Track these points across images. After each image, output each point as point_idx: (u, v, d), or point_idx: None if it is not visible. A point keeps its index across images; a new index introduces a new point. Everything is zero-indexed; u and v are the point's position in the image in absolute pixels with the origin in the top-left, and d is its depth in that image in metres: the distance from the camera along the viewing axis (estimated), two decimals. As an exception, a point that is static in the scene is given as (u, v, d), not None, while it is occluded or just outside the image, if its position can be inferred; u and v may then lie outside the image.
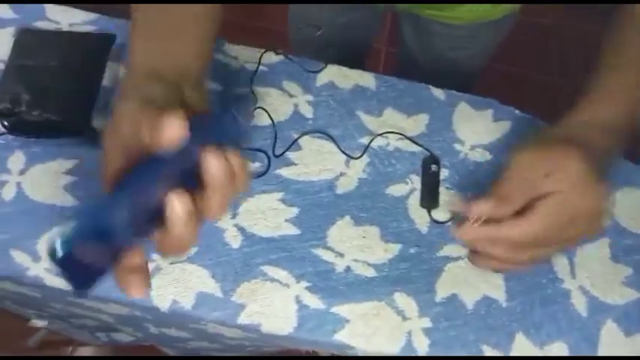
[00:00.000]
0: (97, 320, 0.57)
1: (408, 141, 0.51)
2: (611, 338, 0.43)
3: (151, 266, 0.42)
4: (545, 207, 0.34)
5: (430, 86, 0.54)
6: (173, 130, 0.28)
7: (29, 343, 0.96)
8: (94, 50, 0.50)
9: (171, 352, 0.69)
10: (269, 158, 0.48)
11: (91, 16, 0.54)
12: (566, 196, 0.34)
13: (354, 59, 0.64)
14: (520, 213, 0.35)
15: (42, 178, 0.45)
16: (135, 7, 0.37)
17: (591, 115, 0.39)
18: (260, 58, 0.53)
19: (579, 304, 0.44)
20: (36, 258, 0.42)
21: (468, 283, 0.44)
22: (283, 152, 0.48)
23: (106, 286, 0.41)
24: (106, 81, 0.49)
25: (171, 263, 0.43)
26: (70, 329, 0.70)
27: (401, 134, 0.50)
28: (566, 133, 0.38)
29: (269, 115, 0.50)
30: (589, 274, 0.45)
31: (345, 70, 0.54)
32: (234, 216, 0.45)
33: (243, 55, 0.54)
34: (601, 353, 0.42)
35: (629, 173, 0.51)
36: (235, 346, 0.57)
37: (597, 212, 0.35)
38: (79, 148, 0.46)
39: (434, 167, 0.49)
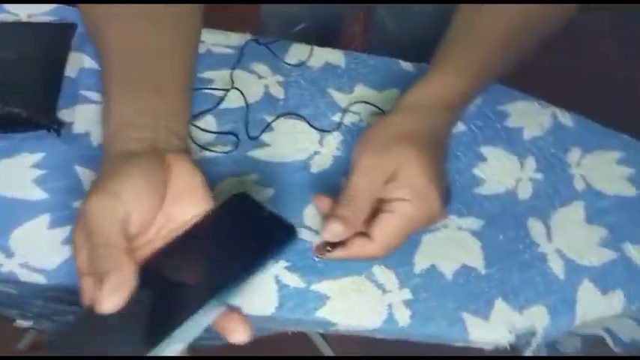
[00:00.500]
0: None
1: (380, 116, 0.50)
2: (587, 298, 0.43)
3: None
4: (390, 225, 0.37)
5: (400, 61, 0.54)
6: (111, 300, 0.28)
7: (19, 346, 0.95)
8: (55, 40, 0.49)
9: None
10: (237, 137, 0.47)
11: (51, 6, 0.52)
12: (410, 206, 0.37)
13: (326, 36, 0.63)
14: (368, 220, 0.37)
15: (8, 173, 0.44)
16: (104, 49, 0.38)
17: (432, 94, 0.41)
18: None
19: (556, 267, 0.45)
20: (9, 254, 0.41)
21: (446, 254, 0.44)
22: (258, 135, 0.48)
23: (73, 273, 0.41)
24: (69, 71, 0.48)
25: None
26: (56, 327, 0.69)
27: (373, 104, 0.50)
28: (403, 121, 0.40)
29: (244, 97, 0.49)
30: (565, 238, 0.46)
31: (314, 48, 0.53)
32: (208, 200, 0.45)
33: (211, 38, 0.53)
34: (579, 313, 0.43)
35: (600, 137, 0.52)
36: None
37: (437, 213, 0.38)
38: (44, 141, 0.45)
39: None
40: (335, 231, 0.36)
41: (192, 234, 0.34)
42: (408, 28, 0.68)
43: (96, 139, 0.46)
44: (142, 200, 0.32)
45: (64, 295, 0.46)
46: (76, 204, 0.43)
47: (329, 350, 0.90)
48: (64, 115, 0.46)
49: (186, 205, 0.34)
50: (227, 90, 0.50)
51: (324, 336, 0.91)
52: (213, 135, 0.48)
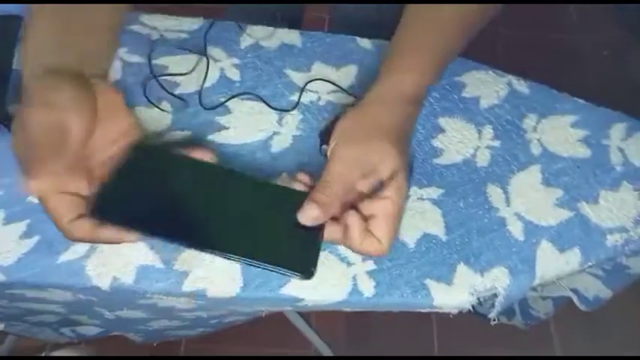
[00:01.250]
0: (51, 313, 0.56)
1: (339, 93, 0.51)
2: (546, 257, 0.45)
3: (84, 247, 0.42)
4: (391, 226, 0.38)
5: (357, 37, 0.54)
6: None
7: (-1, 352, 0.94)
8: (1, 34, 0.47)
9: (137, 339, 0.69)
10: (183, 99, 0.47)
11: (-6, -1, 0.51)
12: (398, 203, 0.39)
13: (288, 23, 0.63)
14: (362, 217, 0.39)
15: (-41, 171, 0.43)
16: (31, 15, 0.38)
17: (400, 84, 0.43)
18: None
19: (515, 229, 0.46)
20: (-36, 253, 0.41)
21: (408, 224, 0.45)
22: (214, 107, 0.47)
23: (37, 272, 0.40)
24: (17, 64, 0.47)
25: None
26: (32, 329, 0.68)
27: (330, 82, 0.50)
28: (379, 113, 0.42)
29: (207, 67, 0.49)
30: (523, 201, 0.47)
31: (269, 29, 0.53)
32: (167, 186, 0.44)
33: (163, 24, 0.52)
34: (538, 272, 0.44)
35: (555, 101, 0.53)
36: (196, 320, 0.57)
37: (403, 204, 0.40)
38: (-5, 136, 0.44)
39: None
40: (311, 215, 0.37)
41: (244, 188, 0.39)
42: (366, 8, 0.68)
43: (49, 131, 0.46)
44: (80, 113, 0.34)
45: (29, 293, 0.45)
46: (32, 198, 0.43)
47: (308, 329, 0.91)
48: (14, 109, 0.45)
49: (112, 123, 0.37)
50: (183, 75, 0.49)
51: (305, 320, 0.92)
52: (168, 122, 0.47)
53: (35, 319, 0.61)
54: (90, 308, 0.51)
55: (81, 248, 0.41)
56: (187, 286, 0.41)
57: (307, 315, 0.92)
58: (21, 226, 0.41)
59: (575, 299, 0.56)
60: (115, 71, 0.49)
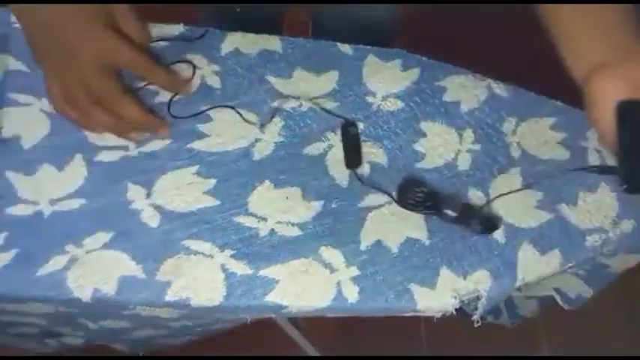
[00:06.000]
0: (32, 326, 0.55)
1: (320, 99, 0.51)
2: (527, 259, 0.45)
3: (65, 258, 0.41)
4: None
5: (337, 43, 0.54)
6: None
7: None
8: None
9: (122, 349, 0.68)
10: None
11: (-31, 8, 0.50)
12: None
13: (265, 23, 0.63)
14: None
15: None
16: None
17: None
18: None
19: (496, 232, 0.46)
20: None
21: (390, 229, 0.45)
22: (188, 117, 0.47)
23: (15, 286, 0.40)
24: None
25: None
26: (15, 340, 0.67)
27: (314, 101, 0.50)
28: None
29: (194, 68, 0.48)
30: (503, 204, 0.48)
31: (250, 35, 0.53)
32: (148, 195, 0.44)
33: (142, 32, 0.52)
34: (520, 274, 0.45)
35: (534, 104, 0.53)
36: (181, 329, 0.56)
37: None
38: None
39: (352, 130, 0.49)
40: None
41: None
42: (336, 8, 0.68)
43: (27, 141, 0.45)
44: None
45: (8, 307, 0.45)
46: (9, 210, 0.42)
47: (298, 335, 0.91)
48: (-10, 119, 0.45)
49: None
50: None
51: (296, 324, 0.92)
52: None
53: (17, 330, 0.60)
54: (72, 320, 0.50)
55: (61, 260, 0.41)
56: (170, 296, 0.41)
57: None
58: (-2, 239, 0.41)
59: (558, 298, 0.57)
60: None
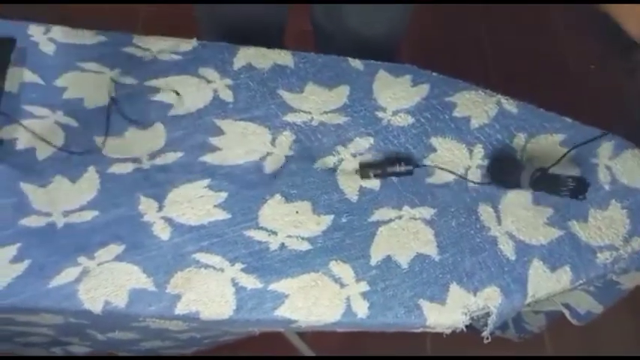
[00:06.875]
0: (40, 335, 0.55)
1: (331, 114, 0.51)
2: (537, 276, 0.45)
3: (77, 270, 0.41)
4: None
5: (348, 58, 0.55)
6: None
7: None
8: (-7, 56, 0.47)
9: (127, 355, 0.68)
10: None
11: (-13, 21, 0.51)
12: None
13: (269, 38, 0.63)
14: None
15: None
16: None
17: None
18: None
19: (506, 248, 0.46)
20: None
21: (400, 244, 0.45)
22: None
23: (28, 296, 0.40)
24: (9, 87, 0.47)
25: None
26: (23, 349, 0.67)
27: (325, 116, 0.51)
28: None
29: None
30: (514, 220, 0.48)
31: (262, 50, 0.54)
32: (160, 208, 0.44)
33: (156, 45, 0.52)
34: (530, 291, 0.44)
35: (543, 121, 0.53)
36: (188, 341, 0.56)
37: None
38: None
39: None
40: None
41: None
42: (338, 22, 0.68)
43: (41, 153, 0.45)
44: None
45: (19, 317, 0.45)
46: (23, 221, 0.42)
47: (306, 348, 0.90)
48: (6, 131, 0.45)
49: None
50: (177, 93, 0.49)
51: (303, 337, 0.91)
52: (162, 143, 0.47)
53: (24, 340, 0.60)
54: (81, 330, 0.50)
55: (73, 272, 0.41)
56: (180, 309, 0.41)
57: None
58: (11, 250, 0.41)
59: (567, 314, 0.56)
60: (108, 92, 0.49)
